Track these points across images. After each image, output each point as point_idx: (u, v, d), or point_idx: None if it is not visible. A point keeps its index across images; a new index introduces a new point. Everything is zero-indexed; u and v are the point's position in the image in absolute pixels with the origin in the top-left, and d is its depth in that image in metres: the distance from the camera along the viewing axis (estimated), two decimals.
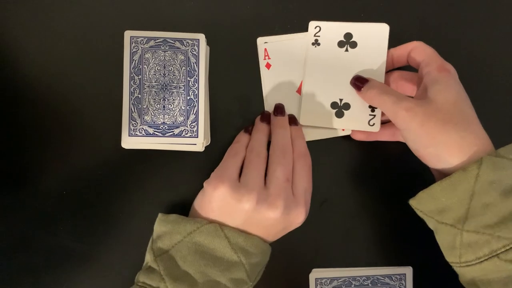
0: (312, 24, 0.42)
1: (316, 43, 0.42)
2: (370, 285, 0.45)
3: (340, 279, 0.45)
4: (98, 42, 0.43)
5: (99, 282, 0.44)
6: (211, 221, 0.37)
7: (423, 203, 0.37)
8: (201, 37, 0.42)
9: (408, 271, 0.45)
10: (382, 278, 0.45)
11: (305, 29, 0.44)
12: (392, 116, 0.38)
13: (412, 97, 0.39)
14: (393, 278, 0.46)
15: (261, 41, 0.44)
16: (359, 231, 0.46)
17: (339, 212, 0.45)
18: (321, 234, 0.45)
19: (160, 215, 0.39)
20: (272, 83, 0.43)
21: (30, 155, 0.43)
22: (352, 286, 0.45)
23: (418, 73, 0.40)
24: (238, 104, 0.44)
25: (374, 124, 0.42)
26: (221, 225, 0.37)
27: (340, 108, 0.42)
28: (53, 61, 0.43)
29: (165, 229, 0.37)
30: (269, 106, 0.44)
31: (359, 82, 0.41)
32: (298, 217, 0.38)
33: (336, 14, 0.44)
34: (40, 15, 0.43)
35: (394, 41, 0.42)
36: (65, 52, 0.43)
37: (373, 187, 0.45)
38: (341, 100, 0.42)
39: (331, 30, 0.42)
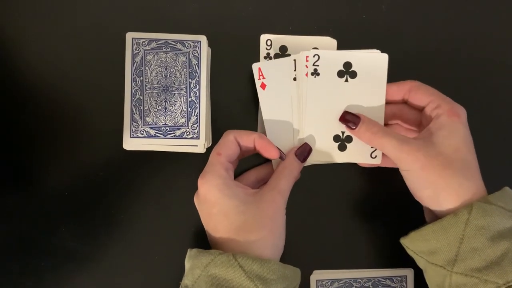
0: (311, 53, 0.41)
1: (315, 73, 0.41)
2: (371, 287, 0.45)
3: (341, 280, 0.45)
4: (99, 44, 0.43)
5: (100, 284, 0.44)
6: (228, 249, 0.37)
7: (415, 243, 0.39)
8: (203, 38, 0.42)
9: (409, 273, 0.45)
10: (383, 280, 0.45)
11: (306, 31, 0.44)
12: (393, 158, 0.39)
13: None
14: (394, 280, 0.46)
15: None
16: (360, 232, 0.46)
17: (340, 214, 0.45)
18: (322, 236, 0.45)
19: (188, 251, 0.38)
20: (268, 103, 0.42)
21: (32, 156, 0.43)
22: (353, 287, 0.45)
23: (424, 113, 0.40)
24: (240, 106, 0.44)
25: (376, 156, 0.42)
26: (235, 254, 0.35)
27: (342, 141, 0.42)
28: (54, 62, 0.43)
29: (188, 265, 0.37)
30: (268, 127, 0.42)
31: (350, 119, 0.40)
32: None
33: (336, 17, 0.45)
34: (41, 17, 0.43)
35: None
36: (67, 54, 0.43)
37: (374, 189, 0.45)
38: (343, 133, 0.42)
39: (330, 59, 0.41)
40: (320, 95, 0.41)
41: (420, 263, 0.39)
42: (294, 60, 0.41)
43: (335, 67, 0.41)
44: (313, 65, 0.41)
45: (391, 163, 0.42)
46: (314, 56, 0.41)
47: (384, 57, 0.41)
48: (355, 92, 0.41)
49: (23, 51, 0.43)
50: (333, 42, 0.45)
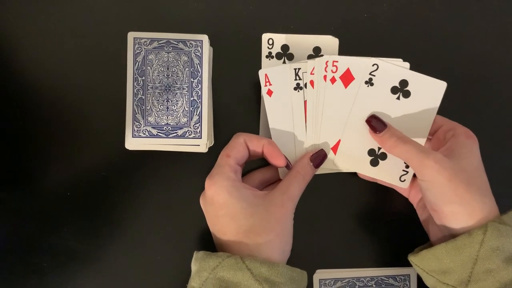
0: (370, 61, 0.40)
1: (369, 82, 0.40)
2: (374, 286, 0.45)
3: (344, 280, 0.45)
4: (101, 43, 0.43)
5: (102, 283, 0.44)
6: (236, 251, 0.37)
7: (426, 262, 0.38)
8: (205, 38, 0.42)
9: (412, 272, 0.45)
10: (386, 279, 0.45)
11: (307, 30, 0.44)
12: (417, 166, 0.37)
13: None
14: (397, 279, 0.45)
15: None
16: (363, 231, 0.45)
17: (343, 212, 0.45)
18: (325, 235, 0.45)
19: (194, 254, 0.38)
20: (275, 110, 0.41)
21: (34, 156, 0.43)
22: (356, 287, 0.45)
23: (436, 136, 0.41)
24: (242, 105, 0.44)
25: (405, 180, 0.41)
26: (243, 257, 0.35)
27: (376, 157, 0.41)
28: (56, 62, 0.43)
29: (195, 267, 0.37)
30: (274, 134, 0.42)
31: (375, 125, 0.40)
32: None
33: (338, 16, 0.45)
34: (43, 16, 0.43)
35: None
36: (69, 53, 0.43)
37: (377, 188, 0.45)
38: (379, 148, 0.41)
39: (388, 72, 0.40)
40: (367, 104, 0.41)
41: (429, 281, 0.39)
42: (295, 68, 0.41)
43: (390, 82, 0.40)
44: (370, 74, 0.40)
45: (389, 183, 0.42)
46: (373, 65, 0.40)
47: (442, 85, 0.40)
48: (403, 112, 0.40)
49: (25, 50, 0.43)
50: (335, 41, 0.45)
